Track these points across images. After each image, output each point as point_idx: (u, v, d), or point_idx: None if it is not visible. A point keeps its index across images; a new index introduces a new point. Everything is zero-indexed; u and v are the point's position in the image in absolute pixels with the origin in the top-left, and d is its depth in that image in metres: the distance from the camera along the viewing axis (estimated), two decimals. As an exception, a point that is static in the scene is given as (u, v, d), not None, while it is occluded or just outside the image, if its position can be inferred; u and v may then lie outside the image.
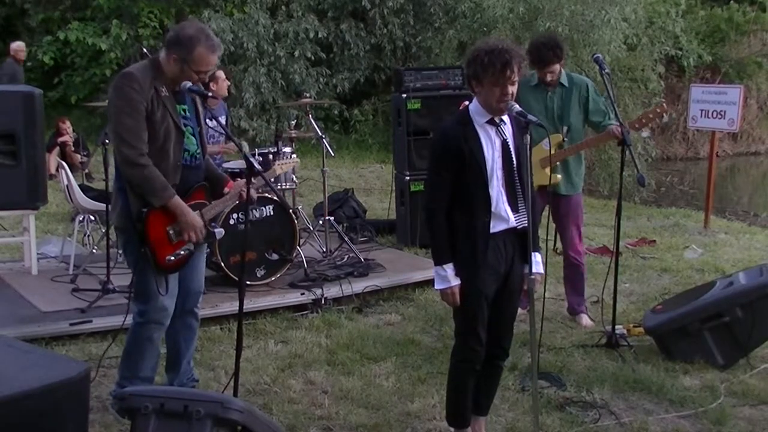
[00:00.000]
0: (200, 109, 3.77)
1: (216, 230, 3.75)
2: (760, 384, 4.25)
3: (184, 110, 3.65)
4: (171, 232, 3.59)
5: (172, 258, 3.61)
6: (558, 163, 5.07)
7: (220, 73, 6.44)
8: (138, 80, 3.44)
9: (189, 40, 3.47)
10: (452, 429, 3.54)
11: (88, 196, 6.25)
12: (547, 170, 4.90)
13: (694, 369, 4.43)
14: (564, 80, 5.09)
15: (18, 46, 12.08)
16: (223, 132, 6.34)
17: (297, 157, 6.39)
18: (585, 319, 5.29)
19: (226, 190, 3.82)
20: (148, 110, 3.45)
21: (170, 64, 3.51)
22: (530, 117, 3.17)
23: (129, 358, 3.74)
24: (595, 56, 5.01)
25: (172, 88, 3.57)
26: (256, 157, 5.81)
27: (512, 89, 3.16)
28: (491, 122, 3.24)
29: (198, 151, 3.71)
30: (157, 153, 3.49)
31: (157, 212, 3.53)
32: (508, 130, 3.28)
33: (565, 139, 5.10)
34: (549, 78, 5.03)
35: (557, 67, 5.01)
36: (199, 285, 3.91)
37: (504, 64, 3.10)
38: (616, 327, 4.80)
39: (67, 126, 11.43)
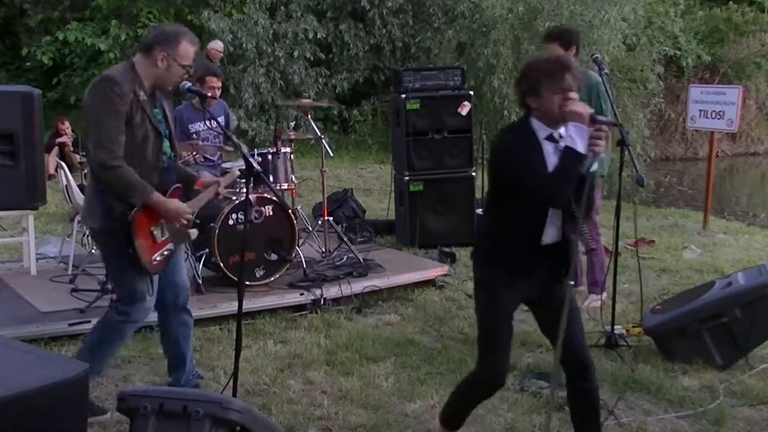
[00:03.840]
0: (167, 111, 3.76)
1: (189, 231, 3.80)
2: (759, 384, 4.26)
3: (156, 113, 3.67)
4: (155, 232, 3.61)
5: (159, 258, 3.64)
6: None
7: (212, 80, 6.44)
8: (119, 84, 3.45)
9: (175, 35, 3.56)
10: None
11: (87, 197, 6.24)
12: None
13: (693, 369, 4.43)
14: None
15: (215, 44, 12.00)
16: (221, 132, 6.35)
17: (294, 157, 6.41)
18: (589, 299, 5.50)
19: (196, 188, 3.87)
20: (127, 114, 3.46)
21: (157, 63, 3.54)
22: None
23: (98, 352, 3.72)
24: (594, 56, 5.04)
25: (152, 90, 3.61)
26: (255, 157, 5.80)
27: None
28: None
29: (171, 153, 3.75)
30: (135, 156, 3.51)
31: (141, 213, 3.54)
32: None
33: None
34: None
35: (554, 47, 5.12)
36: (185, 281, 3.94)
37: None
38: (615, 327, 4.80)
39: (66, 126, 11.42)
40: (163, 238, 3.66)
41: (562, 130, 3.07)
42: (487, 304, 3.22)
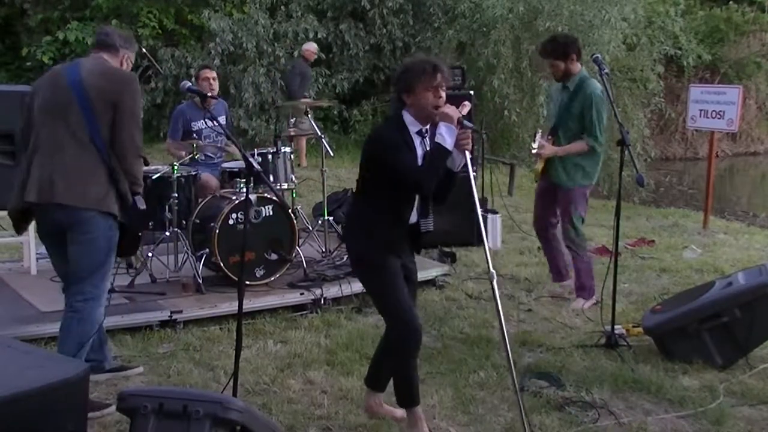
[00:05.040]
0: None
1: None
2: (759, 384, 4.26)
3: None
4: None
5: None
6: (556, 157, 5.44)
7: (205, 71, 6.45)
8: None
9: (132, 40, 3.96)
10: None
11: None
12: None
13: (693, 369, 4.43)
14: (571, 84, 5.27)
15: (311, 46, 12.50)
16: (222, 132, 6.36)
17: (295, 156, 6.42)
18: (576, 302, 5.58)
19: None
20: None
21: (122, 64, 3.89)
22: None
23: (80, 346, 3.79)
24: (594, 56, 5.04)
25: None
26: (255, 157, 5.80)
27: None
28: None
29: None
30: None
31: None
32: None
33: (548, 137, 5.45)
34: (549, 70, 5.55)
35: (552, 62, 5.38)
36: None
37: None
38: (616, 327, 4.80)
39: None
40: None
41: (429, 126, 3.45)
42: (376, 272, 3.47)
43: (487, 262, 3.40)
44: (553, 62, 5.36)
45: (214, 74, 6.54)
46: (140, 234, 3.96)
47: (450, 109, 3.36)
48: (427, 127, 3.46)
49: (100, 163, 3.68)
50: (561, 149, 5.36)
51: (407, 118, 3.44)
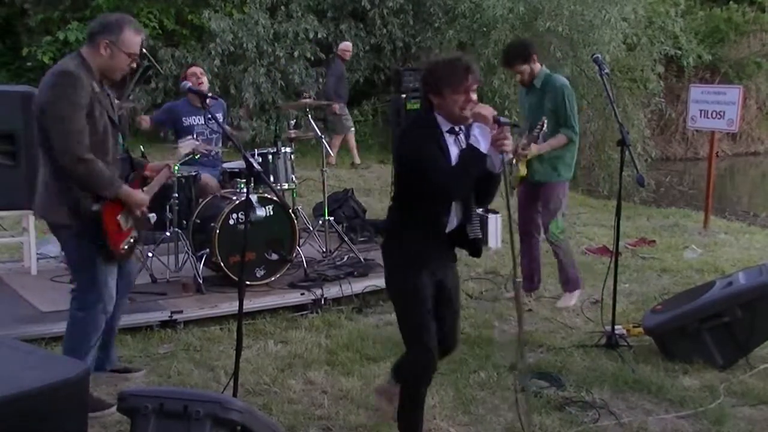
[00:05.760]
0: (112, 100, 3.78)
1: (149, 216, 3.97)
2: (759, 384, 4.26)
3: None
4: (120, 220, 3.71)
5: (126, 246, 3.76)
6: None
7: (192, 68, 6.46)
8: (80, 78, 3.48)
9: (116, 23, 3.59)
10: None
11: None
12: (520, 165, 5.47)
13: (693, 369, 4.43)
14: (537, 82, 5.31)
15: (345, 46, 12.74)
16: (220, 131, 6.35)
17: (295, 157, 6.41)
18: (563, 298, 5.59)
19: (147, 173, 3.99)
20: (87, 108, 3.49)
21: (101, 51, 3.57)
22: None
23: (78, 352, 3.72)
24: (594, 56, 5.06)
25: (102, 79, 3.64)
26: (256, 157, 5.80)
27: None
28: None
29: (122, 143, 3.87)
30: (98, 150, 3.55)
31: (107, 203, 3.62)
32: None
33: (524, 135, 5.41)
34: (517, 78, 5.49)
35: (518, 69, 5.36)
36: (133, 266, 4.12)
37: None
38: (616, 327, 4.80)
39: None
40: (128, 226, 3.77)
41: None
42: (403, 290, 3.28)
43: (513, 269, 3.42)
44: (519, 68, 5.35)
45: (201, 70, 6.54)
46: (102, 241, 3.62)
47: (484, 109, 3.13)
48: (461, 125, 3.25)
49: (52, 176, 3.57)
50: (543, 146, 5.35)
51: (438, 118, 3.22)
